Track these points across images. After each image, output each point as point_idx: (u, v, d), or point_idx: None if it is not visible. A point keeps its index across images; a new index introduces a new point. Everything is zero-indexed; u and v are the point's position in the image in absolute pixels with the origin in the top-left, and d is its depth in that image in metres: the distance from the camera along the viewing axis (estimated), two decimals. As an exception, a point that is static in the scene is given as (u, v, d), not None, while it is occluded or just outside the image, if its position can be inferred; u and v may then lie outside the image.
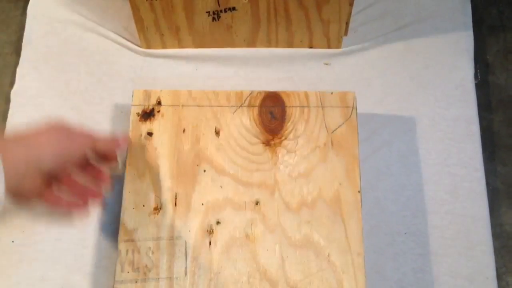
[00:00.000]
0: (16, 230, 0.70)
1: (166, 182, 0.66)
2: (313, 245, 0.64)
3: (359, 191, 0.66)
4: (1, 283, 0.66)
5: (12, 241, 0.69)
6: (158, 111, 0.70)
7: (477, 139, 0.78)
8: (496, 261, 0.72)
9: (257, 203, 0.66)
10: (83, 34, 0.85)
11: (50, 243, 0.71)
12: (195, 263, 0.63)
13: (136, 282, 0.63)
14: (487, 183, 0.77)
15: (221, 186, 0.67)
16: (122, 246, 0.64)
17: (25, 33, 0.84)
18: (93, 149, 0.58)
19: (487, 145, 0.88)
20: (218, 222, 0.65)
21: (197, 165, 0.67)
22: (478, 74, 0.92)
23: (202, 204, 0.66)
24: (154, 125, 0.69)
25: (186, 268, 0.63)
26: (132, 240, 0.64)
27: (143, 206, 0.66)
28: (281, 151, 0.68)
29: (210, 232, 0.65)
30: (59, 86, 0.81)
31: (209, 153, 0.68)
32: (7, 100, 0.80)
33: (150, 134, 0.69)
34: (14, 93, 0.80)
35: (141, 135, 0.68)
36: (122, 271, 0.63)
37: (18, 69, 0.82)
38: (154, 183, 0.66)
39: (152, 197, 0.66)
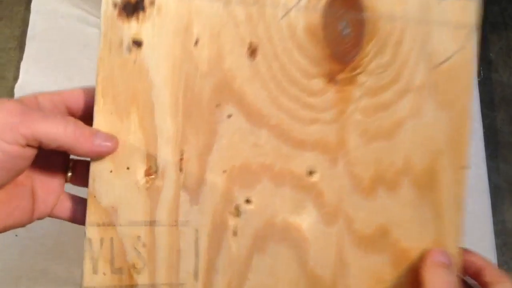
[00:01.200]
0: None
1: (166, 130, 0.40)
2: (391, 245, 0.43)
3: (465, 168, 0.43)
4: (4, 276, 0.67)
5: (16, 235, 0.69)
6: (152, 3, 0.40)
7: (480, 137, 0.81)
8: (498, 258, 0.77)
9: (310, 174, 0.42)
10: (86, 29, 0.86)
11: (53, 237, 0.70)
12: (211, 263, 0.41)
13: (116, 290, 0.40)
14: (489, 180, 0.80)
15: (255, 144, 0.41)
16: (92, 232, 0.40)
17: (29, 28, 0.85)
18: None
19: (490, 143, 0.93)
20: (247, 201, 0.41)
21: (217, 106, 0.41)
22: (481, 72, 0.97)
23: (224, 171, 0.41)
24: (144, 27, 0.40)
25: (196, 270, 0.41)
26: (110, 224, 0.40)
27: (127, 168, 0.40)
28: (353, 93, 0.42)
29: (235, 215, 0.41)
30: (62, 81, 0.83)
31: (238, 86, 0.41)
32: (11, 95, 0.84)
33: (137, 43, 0.40)
34: (18, 87, 0.81)
35: (120, 45, 0.40)
36: (94, 272, 0.40)
37: (22, 64, 0.83)
38: (145, 131, 0.40)
39: (142, 154, 0.40)
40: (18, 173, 0.37)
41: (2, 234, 0.65)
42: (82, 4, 0.87)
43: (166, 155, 0.40)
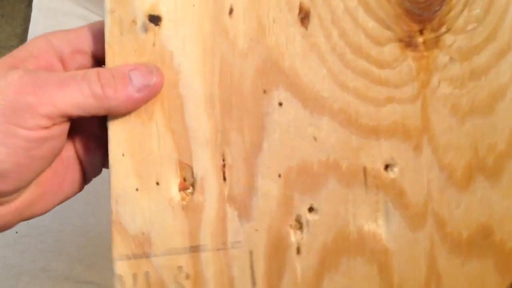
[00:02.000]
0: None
1: (201, 130, 0.31)
2: (495, 248, 0.34)
3: None
4: (5, 274, 0.66)
5: (16, 232, 0.67)
6: (170, -38, 0.30)
7: None
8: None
9: (387, 168, 0.33)
10: None
11: (53, 234, 0.68)
12: (272, 290, 0.33)
13: (158, 333, 0.32)
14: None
15: (314, 138, 0.32)
16: (122, 268, 0.31)
17: (30, 26, 0.83)
18: None
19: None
20: (311, 209, 0.33)
21: (264, 92, 0.32)
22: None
23: (279, 176, 0.32)
24: (161, -3, 0.31)
25: (254, 301, 0.32)
26: (143, 256, 0.31)
27: (157, 184, 0.31)
28: (438, 59, 0.32)
29: (298, 228, 0.33)
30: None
31: (288, 64, 0.32)
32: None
33: (155, 19, 0.30)
34: None
35: (133, 23, 0.30)
36: (127, 315, 0.32)
37: None
38: (175, 134, 0.31)
39: (173, 164, 0.31)
40: (56, 153, 0.30)
41: (2, 232, 0.63)
42: (84, 3, 0.84)
43: (204, 161, 0.31)
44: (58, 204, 0.33)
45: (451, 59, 0.32)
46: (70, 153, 0.33)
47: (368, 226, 0.33)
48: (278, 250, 0.32)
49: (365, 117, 0.32)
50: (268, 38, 0.31)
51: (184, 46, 0.31)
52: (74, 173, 0.33)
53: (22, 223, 0.66)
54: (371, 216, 0.33)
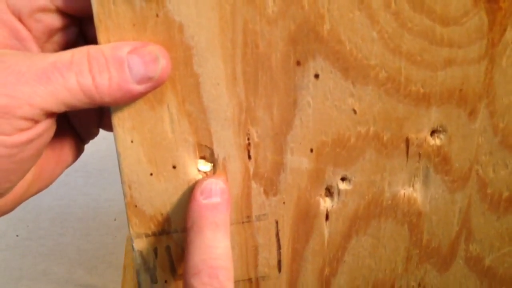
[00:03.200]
0: (21, 224, 0.70)
1: (222, 110, 0.26)
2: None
3: None
4: (5, 277, 0.66)
5: (17, 235, 0.69)
6: None
7: None
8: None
9: (433, 134, 0.29)
10: None
11: (54, 238, 0.69)
12: (297, 252, 0.31)
13: (185, 292, 0.32)
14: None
15: (354, 111, 0.27)
16: (141, 245, 0.29)
17: None
18: None
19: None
20: (344, 179, 0.29)
21: (297, 63, 0.25)
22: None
23: (311, 151, 0.28)
24: None
25: (279, 261, 0.32)
26: (162, 233, 0.29)
27: (173, 167, 0.27)
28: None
29: (328, 195, 0.30)
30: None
31: (329, 29, 0.25)
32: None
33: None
34: None
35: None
36: (153, 281, 0.31)
37: None
38: (191, 117, 0.26)
39: (190, 147, 0.27)
40: (45, 146, 0.26)
41: (3, 235, 0.69)
42: None
43: (226, 142, 0.27)
44: (60, 174, 0.29)
45: None
46: (61, 121, 0.28)
47: (404, 191, 0.30)
48: (306, 218, 0.30)
49: (417, 83, 0.27)
50: (304, 3, 0.24)
51: (196, 14, 0.23)
52: (70, 141, 0.29)
53: (23, 227, 0.68)
54: (408, 182, 0.30)
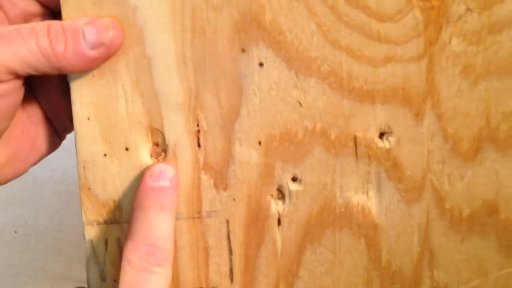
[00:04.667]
0: (19, 221, 0.69)
1: (172, 93, 0.28)
2: (499, 226, 0.31)
3: None
4: (4, 274, 0.67)
5: (15, 232, 0.68)
6: None
7: None
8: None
9: (382, 136, 0.29)
10: None
11: (52, 234, 0.69)
12: (250, 260, 0.31)
13: (134, 297, 0.31)
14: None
15: (299, 103, 0.29)
16: (93, 233, 0.30)
17: None
18: None
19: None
20: (294, 179, 0.30)
21: (242, 50, 0.28)
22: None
23: (260, 143, 0.29)
24: None
25: (231, 271, 0.31)
26: (114, 222, 0.30)
27: (126, 149, 0.29)
28: (451, 8, 0.27)
29: (279, 198, 0.30)
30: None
31: (271, 18, 0.27)
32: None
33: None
34: None
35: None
36: (102, 279, 0.31)
37: None
38: (144, 97, 0.28)
39: (143, 129, 0.29)
40: (11, 109, 0.28)
41: (1, 231, 0.69)
42: None
43: (177, 127, 0.29)
44: (35, 162, 0.31)
45: (467, 9, 0.27)
46: (35, 109, 0.30)
47: (357, 198, 0.30)
48: (257, 220, 0.30)
49: (359, 79, 0.28)
50: (247, -11, 0.27)
51: (149, -1, 0.27)
52: (45, 130, 0.31)
53: (21, 223, 0.67)
54: (361, 188, 0.30)
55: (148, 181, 0.28)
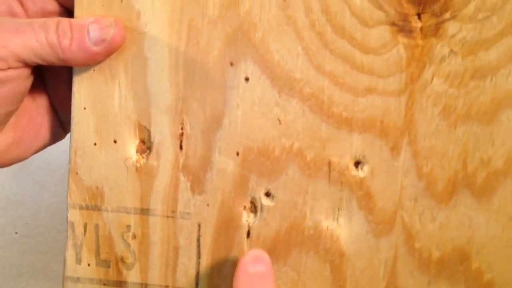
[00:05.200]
0: (20, 222, 0.69)
1: (162, 95, 0.30)
2: (469, 275, 0.30)
3: None
4: (4, 274, 0.67)
5: (16, 233, 0.68)
6: None
7: None
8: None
9: (357, 165, 0.30)
10: None
11: (53, 235, 0.69)
12: (216, 268, 0.32)
13: (104, 284, 0.33)
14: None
15: (280, 120, 0.30)
16: (74, 215, 0.32)
17: None
18: None
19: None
20: (268, 194, 0.31)
21: (231, 64, 0.30)
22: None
23: (237, 154, 0.30)
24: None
25: (197, 274, 0.32)
26: (95, 208, 0.32)
27: (114, 142, 0.31)
28: (435, 50, 0.28)
29: (251, 211, 0.31)
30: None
31: (260, 37, 0.29)
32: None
33: (128, -27, 0.29)
34: None
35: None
36: (77, 261, 0.33)
37: None
38: (136, 96, 0.31)
39: (132, 125, 0.31)
40: (18, 96, 0.31)
41: (2, 232, 0.70)
42: None
43: (162, 127, 0.30)
44: (38, 150, 0.34)
45: (452, 52, 0.28)
46: (44, 100, 0.33)
47: (327, 223, 0.30)
48: (227, 229, 0.31)
49: (339, 106, 0.29)
50: (241, 6, 0.29)
51: (152, 6, 0.29)
52: (50, 120, 0.34)
53: (22, 224, 0.68)
54: (331, 213, 0.30)
55: (246, 267, 0.29)
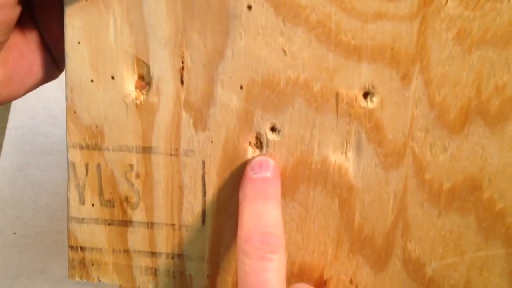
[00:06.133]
0: (19, 222, 0.68)
1: (160, 27, 0.29)
2: (480, 205, 0.29)
3: None
4: (3, 275, 0.66)
5: (14, 233, 0.67)
6: None
7: None
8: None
9: (366, 96, 0.29)
10: None
11: (51, 235, 0.67)
12: (222, 204, 0.31)
13: (109, 224, 0.32)
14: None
15: (286, 50, 0.28)
16: (75, 156, 0.31)
17: None
18: None
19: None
20: (273, 129, 0.30)
21: (233, -9, 0.28)
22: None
23: (241, 88, 0.29)
24: None
25: (203, 211, 0.31)
26: (95, 148, 0.31)
27: (112, 78, 0.30)
28: (448, -29, 0.26)
29: (257, 147, 0.30)
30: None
31: (264, -41, 0.27)
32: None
33: None
34: None
35: None
36: (81, 202, 0.32)
37: None
38: (133, 29, 0.29)
39: (129, 59, 0.29)
40: (6, 24, 0.29)
41: (0, 233, 0.67)
42: None
43: (162, 61, 0.29)
44: (30, 88, 0.33)
45: None
46: (35, 35, 0.32)
47: (335, 157, 0.29)
48: (232, 166, 0.30)
49: (347, 33, 0.27)
50: None
51: None
52: (43, 57, 0.32)
53: (20, 224, 0.67)
54: (339, 147, 0.29)
55: (250, 173, 0.29)
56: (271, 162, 0.29)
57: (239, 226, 0.28)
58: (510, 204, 0.29)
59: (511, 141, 0.28)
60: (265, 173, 0.29)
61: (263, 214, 0.27)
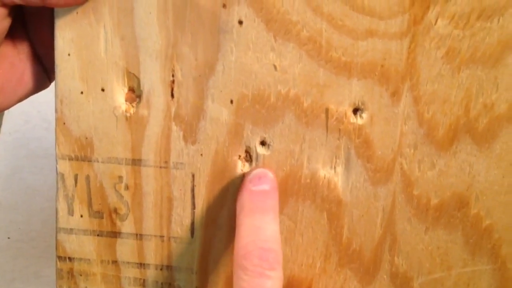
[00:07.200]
0: (13, 226, 0.68)
1: (151, 40, 0.28)
2: (467, 221, 0.30)
3: None
4: None
5: (8, 237, 0.67)
6: None
7: None
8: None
9: (356, 112, 0.29)
10: None
11: (45, 239, 0.67)
12: (211, 217, 0.31)
13: (97, 235, 0.32)
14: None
15: (276, 65, 0.28)
16: (64, 167, 0.31)
17: None
18: None
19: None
20: (263, 143, 0.30)
21: (223, 6, 0.28)
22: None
23: (231, 102, 0.29)
24: None
25: (192, 224, 0.31)
26: (85, 159, 0.31)
27: (102, 90, 0.30)
28: (436, 4, 0.26)
29: (246, 160, 0.30)
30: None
31: (256, -25, 0.27)
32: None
33: None
34: None
35: None
36: (69, 213, 0.32)
37: None
38: (124, 41, 0.29)
39: (120, 72, 0.29)
40: None
41: None
42: None
43: (152, 74, 0.29)
44: (21, 98, 0.32)
45: (448, 14, 0.26)
46: (25, 46, 0.31)
47: (324, 172, 0.30)
48: (222, 179, 0.30)
49: (338, 50, 0.28)
50: None
51: None
52: (33, 67, 0.32)
53: (14, 228, 0.67)
54: (328, 162, 0.29)
55: (249, 185, 0.29)
56: (270, 175, 0.29)
57: (236, 239, 0.27)
58: (496, 220, 0.29)
59: (499, 159, 0.28)
60: (264, 186, 0.29)
61: (262, 228, 0.27)
